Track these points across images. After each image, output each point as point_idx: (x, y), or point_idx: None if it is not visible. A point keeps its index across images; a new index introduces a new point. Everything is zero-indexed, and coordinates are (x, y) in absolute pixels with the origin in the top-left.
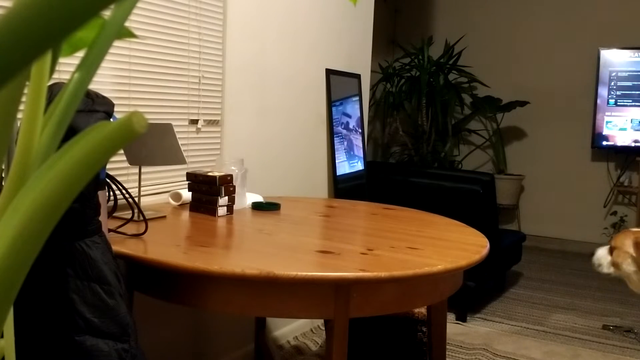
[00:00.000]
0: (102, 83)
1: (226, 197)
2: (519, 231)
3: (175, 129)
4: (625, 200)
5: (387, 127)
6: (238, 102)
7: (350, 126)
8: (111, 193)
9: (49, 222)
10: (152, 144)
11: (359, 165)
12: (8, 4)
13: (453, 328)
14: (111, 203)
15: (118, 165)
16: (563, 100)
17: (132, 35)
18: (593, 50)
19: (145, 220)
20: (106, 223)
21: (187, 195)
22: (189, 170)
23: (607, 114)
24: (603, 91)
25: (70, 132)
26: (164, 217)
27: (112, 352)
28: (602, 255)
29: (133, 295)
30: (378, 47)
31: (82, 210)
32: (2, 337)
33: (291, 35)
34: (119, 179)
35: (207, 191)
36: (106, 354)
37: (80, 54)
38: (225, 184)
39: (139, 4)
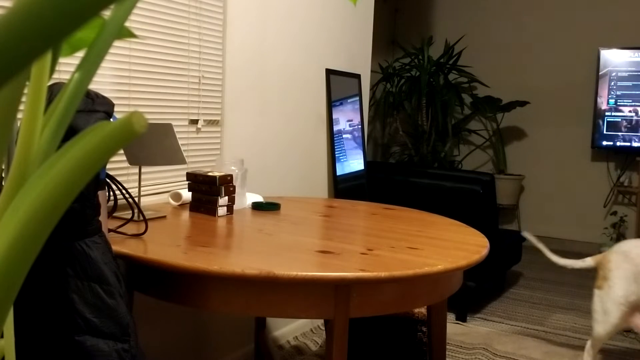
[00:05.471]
0: (102, 83)
1: (226, 197)
2: (519, 231)
3: (175, 129)
4: (625, 200)
5: (387, 127)
6: (238, 102)
7: (350, 126)
8: (111, 193)
9: (49, 222)
10: (152, 144)
11: (359, 165)
12: (8, 4)
13: (453, 328)
14: (111, 203)
15: (118, 165)
16: (563, 100)
17: (132, 35)
18: (593, 50)
19: (145, 220)
20: (106, 223)
21: (187, 195)
22: (189, 170)
23: (607, 114)
24: (603, 91)
25: (70, 132)
26: (164, 217)
27: (112, 352)
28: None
29: (133, 295)
30: (378, 47)
31: (82, 210)
32: (2, 337)
33: (291, 35)
34: (119, 179)
35: (207, 191)
36: (106, 354)
37: (80, 54)
38: (225, 184)
39: (139, 4)
